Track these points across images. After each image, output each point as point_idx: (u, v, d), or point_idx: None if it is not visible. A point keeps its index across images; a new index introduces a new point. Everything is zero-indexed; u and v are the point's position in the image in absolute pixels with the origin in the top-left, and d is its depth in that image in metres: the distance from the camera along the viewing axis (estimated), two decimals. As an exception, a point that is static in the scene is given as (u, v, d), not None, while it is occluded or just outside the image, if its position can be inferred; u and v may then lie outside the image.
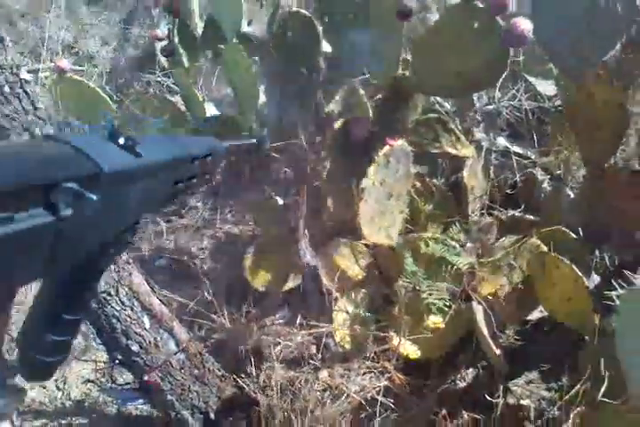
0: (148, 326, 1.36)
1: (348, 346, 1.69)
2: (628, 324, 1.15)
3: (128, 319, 1.32)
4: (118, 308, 1.31)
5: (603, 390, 1.31)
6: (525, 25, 1.57)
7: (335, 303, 1.72)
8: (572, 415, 1.31)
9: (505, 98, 2.65)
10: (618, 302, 1.16)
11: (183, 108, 2.48)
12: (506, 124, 2.48)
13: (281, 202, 1.71)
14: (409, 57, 1.90)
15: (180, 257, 2.03)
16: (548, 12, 1.73)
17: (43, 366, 0.76)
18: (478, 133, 2.38)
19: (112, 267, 1.29)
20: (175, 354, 1.40)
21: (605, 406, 1.19)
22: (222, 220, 2.26)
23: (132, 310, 1.33)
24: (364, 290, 1.79)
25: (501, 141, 2.42)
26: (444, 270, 1.49)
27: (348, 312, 1.74)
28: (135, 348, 1.34)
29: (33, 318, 0.71)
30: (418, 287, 1.49)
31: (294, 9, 1.97)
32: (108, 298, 1.29)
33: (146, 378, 1.34)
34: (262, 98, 2.53)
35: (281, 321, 1.86)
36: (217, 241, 2.18)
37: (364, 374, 1.63)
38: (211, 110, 2.54)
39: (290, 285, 1.91)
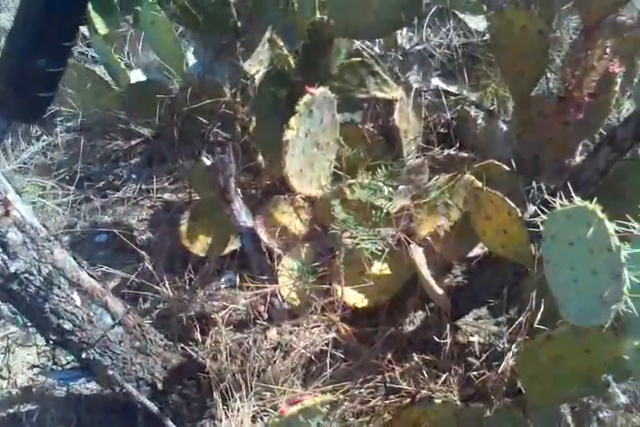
0: (79, 302, 1.32)
1: (294, 302, 1.67)
2: (551, 248, 1.15)
3: (56, 298, 1.28)
4: (43, 287, 1.26)
5: (538, 317, 1.33)
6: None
7: (279, 261, 1.70)
8: (512, 346, 1.32)
9: (436, 37, 2.61)
10: (542, 229, 1.15)
11: (106, 77, 2.40)
12: (438, 63, 2.44)
13: (208, 163, 1.66)
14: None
15: (119, 231, 1.98)
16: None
17: (34, 101, 0.75)
18: (411, 75, 2.35)
19: (29, 246, 1.24)
20: (112, 328, 1.37)
21: (539, 334, 1.20)
22: (160, 189, 2.21)
23: (58, 288, 1.28)
24: (307, 245, 1.77)
25: (435, 81, 2.38)
26: (375, 215, 1.47)
27: (292, 269, 1.72)
28: (68, 326, 1.30)
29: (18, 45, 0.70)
30: (350, 235, 1.46)
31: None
32: (31, 278, 1.24)
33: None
34: (191, 59, 2.45)
35: (227, 285, 1.83)
36: (155, 211, 2.13)
37: (313, 328, 1.62)
38: (137, 76, 2.45)
39: (231, 247, 1.88)
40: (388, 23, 1.79)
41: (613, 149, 1.49)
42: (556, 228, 1.13)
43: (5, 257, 1.21)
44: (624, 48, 1.66)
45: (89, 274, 1.39)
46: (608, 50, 1.64)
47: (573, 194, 1.10)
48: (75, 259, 1.37)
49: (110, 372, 1.37)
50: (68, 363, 1.48)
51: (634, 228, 1.05)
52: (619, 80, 1.55)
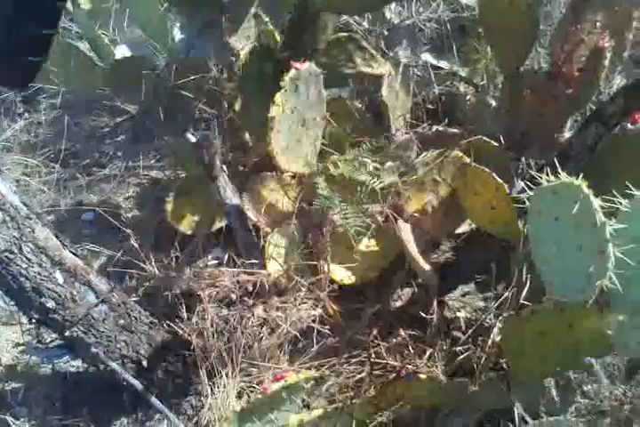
0: (61, 280, 1.31)
1: (282, 280, 1.67)
2: (537, 224, 1.14)
3: (37, 276, 1.26)
4: (25, 265, 1.25)
5: (524, 293, 1.33)
6: None
7: (266, 238, 1.68)
8: (497, 322, 1.32)
9: (426, 12, 2.57)
10: (527, 204, 1.15)
11: (90, 53, 2.35)
12: (428, 39, 2.41)
13: (193, 139, 1.64)
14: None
15: (105, 209, 1.96)
16: None
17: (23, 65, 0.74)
18: (400, 50, 2.31)
19: (9, 225, 1.22)
20: (96, 306, 1.36)
21: (525, 309, 1.20)
22: (146, 166, 2.18)
23: (40, 266, 1.27)
24: (294, 222, 1.75)
25: (425, 56, 2.35)
26: (361, 191, 1.46)
27: (280, 246, 1.71)
28: (50, 304, 1.29)
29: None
30: (334, 212, 1.45)
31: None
32: (12, 257, 1.23)
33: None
34: (178, 34, 2.42)
35: (214, 262, 1.82)
36: (142, 188, 2.11)
37: (300, 304, 1.62)
38: (123, 52, 2.41)
39: (218, 225, 1.87)
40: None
41: (602, 125, 1.48)
42: (542, 203, 1.12)
43: (-15, 236, 1.20)
44: (614, 22, 1.64)
45: (72, 252, 1.38)
46: (598, 24, 1.62)
47: (561, 170, 1.09)
48: (57, 237, 1.35)
49: (94, 350, 1.36)
50: (52, 341, 1.47)
51: (620, 203, 1.04)
52: (608, 55, 1.53)
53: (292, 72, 1.53)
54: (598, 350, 1.15)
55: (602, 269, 1.01)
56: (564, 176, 1.07)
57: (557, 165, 1.17)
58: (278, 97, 1.49)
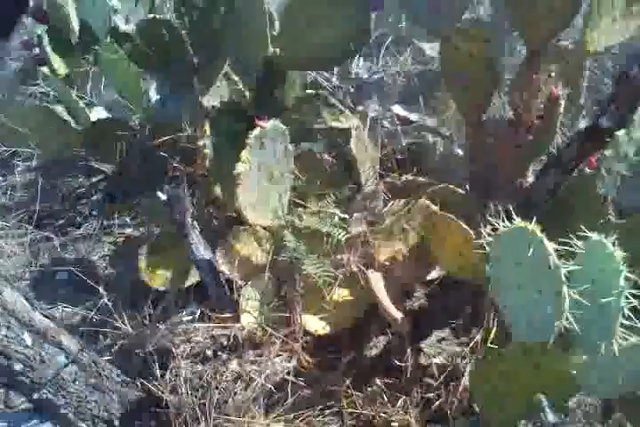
0: (30, 342, 1.30)
1: (257, 333, 1.66)
2: (498, 269, 1.16)
3: (5, 339, 1.26)
4: (-9, 328, 1.25)
5: (491, 336, 1.33)
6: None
7: (240, 292, 1.69)
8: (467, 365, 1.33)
9: (395, 66, 2.67)
10: (487, 250, 1.17)
11: (66, 116, 2.40)
12: (397, 92, 2.48)
13: (164, 198, 1.66)
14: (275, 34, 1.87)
15: (80, 268, 1.96)
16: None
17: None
18: (370, 104, 2.38)
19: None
20: (65, 367, 1.35)
21: (491, 352, 1.21)
22: (121, 225, 2.20)
23: (8, 328, 1.27)
24: (269, 274, 1.76)
25: (396, 109, 2.41)
26: (327, 242, 1.48)
27: (253, 299, 1.71)
28: (18, 367, 1.28)
29: None
30: (301, 264, 1.47)
31: (150, 17, 1.93)
32: (-21, 320, 1.23)
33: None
34: (154, 96, 2.47)
35: (189, 317, 1.82)
36: (117, 247, 2.12)
37: (275, 357, 1.61)
38: (100, 114, 2.46)
39: (192, 280, 1.87)
40: (335, 53, 1.82)
41: (561, 169, 1.52)
42: (502, 249, 1.15)
43: (-49, 301, 1.20)
44: (567, 71, 1.71)
45: (42, 314, 1.38)
46: (552, 73, 1.69)
47: (526, 215, 1.12)
48: (27, 299, 1.36)
49: (64, 411, 1.34)
50: (20, 404, 1.45)
51: (576, 246, 1.07)
52: (562, 102, 1.58)
53: (257, 130, 1.57)
54: (566, 390, 1.15)
55: (559, 311, 1.03)
56: (518, 221, 1.10)
57: (522, 210, 1.21)
58: (244, 154, 1.53)
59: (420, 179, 1.97)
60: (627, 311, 1.02)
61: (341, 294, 1.70)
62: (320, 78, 2.25)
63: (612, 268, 1.00)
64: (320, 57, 1.83)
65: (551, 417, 0.98)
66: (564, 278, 1.02)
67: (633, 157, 1.42)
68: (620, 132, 1.35)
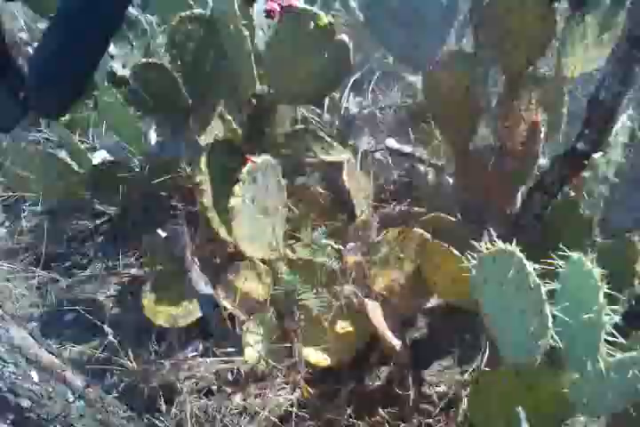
0: (37, 379, 1.34)
1: (260, 367, 1.69)
2: (483, 291, 1.20)
3: (12, 376, 1.30)
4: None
5: (485, 359, 1.36)
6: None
7: (242, 327, 1.72)
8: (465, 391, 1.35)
9: (385, 100, 2.74)
10: (472, 273, 1.21)
11: (69, 160, 2.47)
12: (388, 125, 2.55)
13: (164, 235, 1.71)
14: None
15: (87, 308, 2.01)
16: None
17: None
18: (362, 137, 2.45)
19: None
20: (72, 403, 1.38)
21: (484, 375, 1.23)
22: (126, 265, 2.25)
23: (15, 365, 1.31)
24: (270, 308, 1.80)
25: (389, 142, 2.47)
26: (321, 273, 1.52)
27: (256, 333, 1.74)
28: (26, 404, 1.31)
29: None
30: (298, 295, 1.51)
31: (144, 61, 2.01)
32: (-14, 358, 1.27)
33: None
34: (154, 137, 2.56)
35: (194, 354, 1.85)
36: (122, 286, 2.17)
37: (279, 390, 1.64)
38: (102, 157, 2.54)
39: (196, 316, 1.91)
40: (320, 87, 1.89)
41: (544, 193, 1.57)
42: (484, 271, 1.19)
43: (-42, 339, 1.24)
44: (548, 98, 1.77)
45: (48, 351, 1.41)
46: (533, 100, 1.75)
47: (517, 239, 1.16)
48: (33, 337, 1.40)
49: (71, 447, 1.37)
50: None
51: (559, 265, 1.11)
52: (542, 129, 1.64)
53: (249, 166, 1.63)
54: (560, 409, 1.18)
55: (543, 329, 1.06)
56: (499, 244, 1.15)
57: (512, 235, 1.24)
58: (237, 189, 1.58)
59: (415, 208, 2.02)
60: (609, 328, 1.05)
61: (342, 325, 1.73)
62: (311, 115, 2.32)
63: (591, 284, 1.03)
64: (305, 92, 1.90)
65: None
66: (544, 297, 1.06)
67: (613, 179, 1.47)
68: (597, 155, 1.40)
